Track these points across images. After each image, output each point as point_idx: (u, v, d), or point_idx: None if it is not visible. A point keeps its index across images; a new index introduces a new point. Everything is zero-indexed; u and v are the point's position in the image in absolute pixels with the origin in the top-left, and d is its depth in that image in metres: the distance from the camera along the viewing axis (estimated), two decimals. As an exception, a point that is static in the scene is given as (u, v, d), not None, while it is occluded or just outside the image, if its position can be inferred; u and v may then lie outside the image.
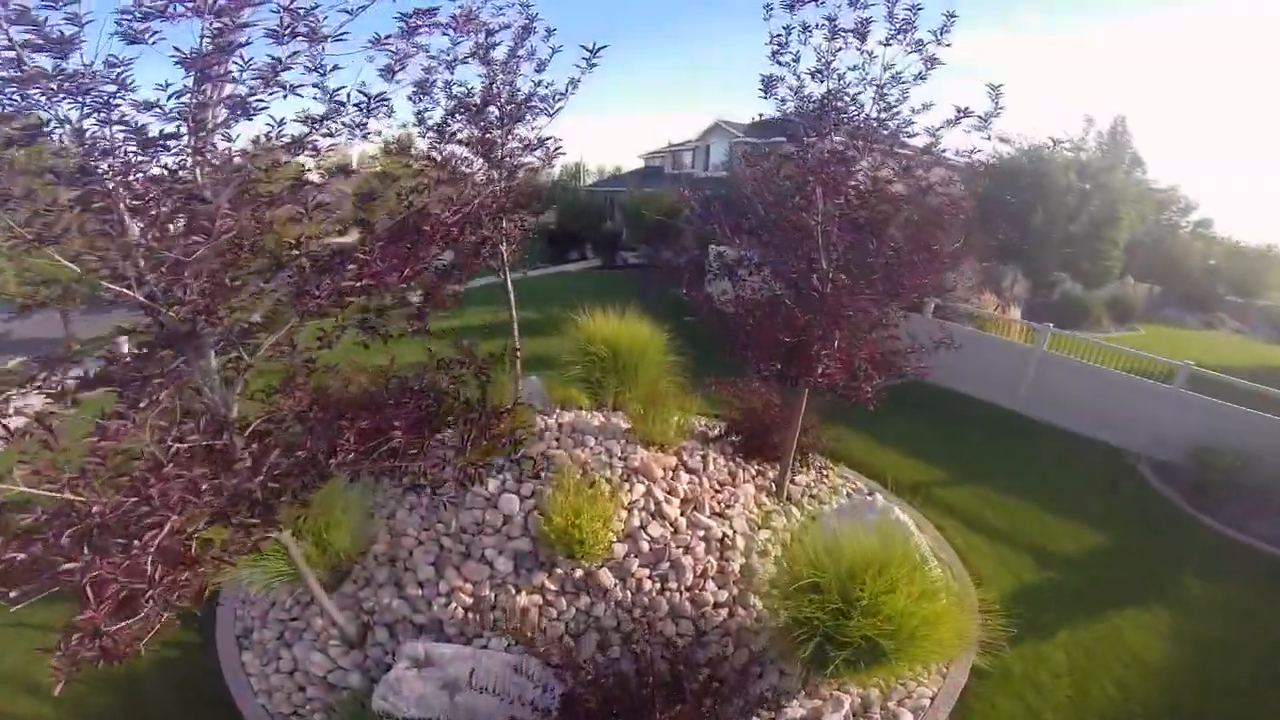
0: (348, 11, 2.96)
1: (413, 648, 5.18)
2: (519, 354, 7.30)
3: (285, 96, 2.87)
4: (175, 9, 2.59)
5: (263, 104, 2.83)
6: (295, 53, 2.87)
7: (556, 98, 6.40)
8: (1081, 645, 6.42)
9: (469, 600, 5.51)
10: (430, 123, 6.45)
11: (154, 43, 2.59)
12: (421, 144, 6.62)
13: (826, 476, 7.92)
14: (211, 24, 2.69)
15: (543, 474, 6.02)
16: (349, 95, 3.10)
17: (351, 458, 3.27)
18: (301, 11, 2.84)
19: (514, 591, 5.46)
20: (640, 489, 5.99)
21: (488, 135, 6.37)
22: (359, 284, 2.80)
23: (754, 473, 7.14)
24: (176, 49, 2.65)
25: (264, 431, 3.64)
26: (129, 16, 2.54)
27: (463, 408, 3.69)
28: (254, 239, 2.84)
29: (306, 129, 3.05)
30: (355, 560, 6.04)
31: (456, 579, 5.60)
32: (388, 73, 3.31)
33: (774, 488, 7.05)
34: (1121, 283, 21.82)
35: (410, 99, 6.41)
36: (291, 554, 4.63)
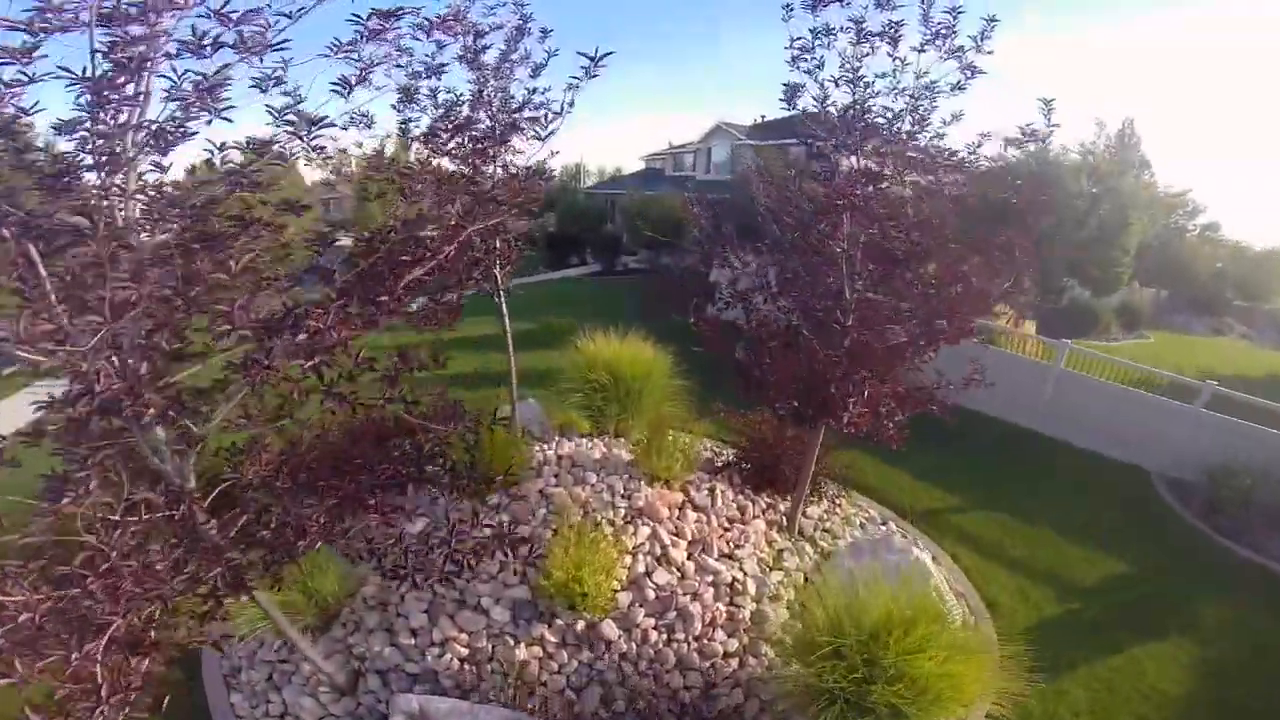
0: (286, 15, 2.49)
1: (407, 701, 4.87)
2: (516, 369, 6.96)
3: (209, 121, 2.38)
4: (51, 20, 2.09)
5: (186, 132, 2.35)
6: (225, 66, 2.40)
7: (549, 118, 5.97)
8: (1101, 679, 6.22)
9: (464, 651, 5.18)
10: (416, 132, 6.04)
11: (29, 63, 2.11)
12: (408, 156, 6.17)
13: (839, 506, 7.57)
14: (103, 36, 2.21)
15: (541, 513, 5.66)
16: (298, 116, 2.66)
17: (319, 545, 2.91)
18: (234, 17, 2.36)
19: (512, 643, 5.12)
20: (645, 531, 5.64)
21: (479, 147, 5.94)
22: (310, 362, 2.37)
23: (764, 505, 6.79)
24: (64, 69, 2.15)
25: (229, 495, 3.29)
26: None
27: (449, 476, 3.31)
28: (189, 295, 2.37)
29: (253, 155, 2.62)
30: (343, 603, 5.71)
31: (451, 628, 5.26)
32: (344, 86, 2.82)
33: (785, 521, 6.70)
34: (1129, 288, 21.47)
35: (394, 107, 5.97)
36: (268, 611, 4.30)
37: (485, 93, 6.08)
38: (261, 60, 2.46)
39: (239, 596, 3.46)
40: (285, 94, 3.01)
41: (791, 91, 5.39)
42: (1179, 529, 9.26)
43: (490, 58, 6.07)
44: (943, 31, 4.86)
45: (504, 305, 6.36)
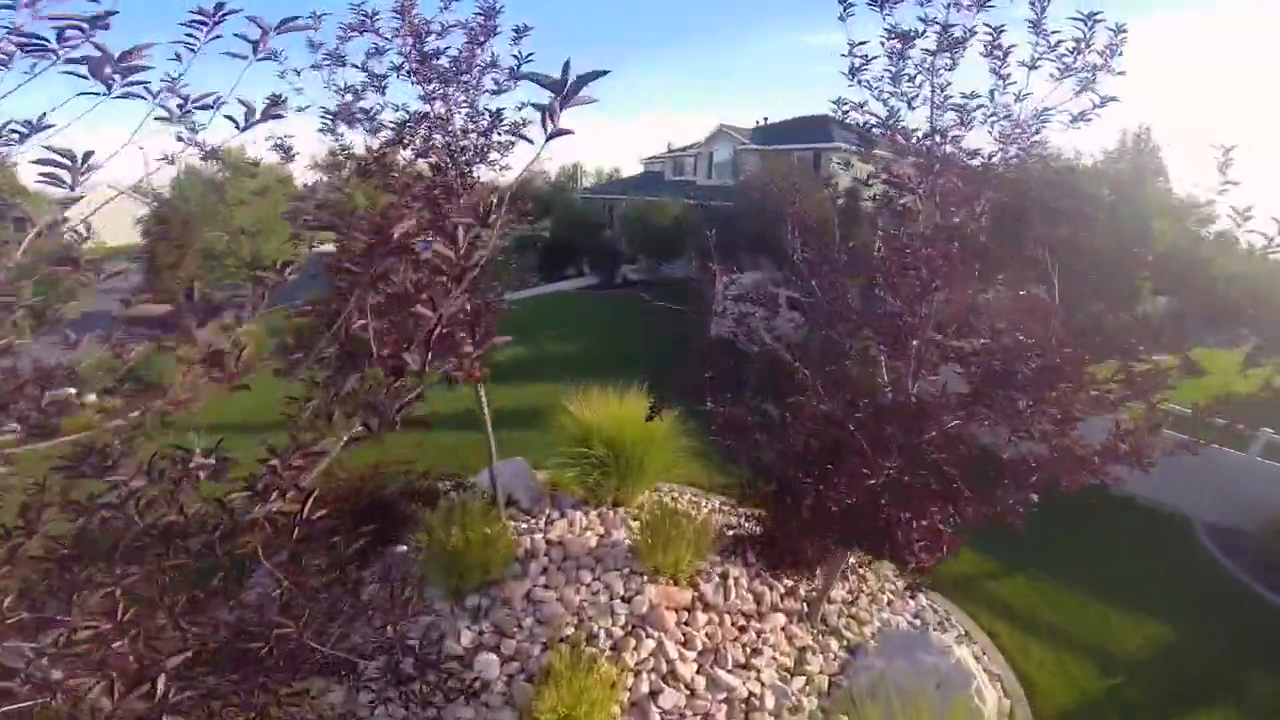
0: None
1: None
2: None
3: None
4: None
5: None
6: None
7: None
8: (1144, 765, 5.64)
9: (438, 787, 4.40)
10: (347, 167, 4.91)
11: None
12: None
13: (865, 580, 6.79)
14: None
15: (528, 623, 4.85)
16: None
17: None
18: None
19: (494, 780, 4.34)
20: (649, 645, 4.82)
21: (439, 179, 4.83)
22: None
23: (783, 591, 5.98)
24: None
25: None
26: None
27: (394, 681, 2.49)
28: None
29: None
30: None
31: (423, 758, 4.47)
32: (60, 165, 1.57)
33: (806, 609, 5.91)
34: (1148, 301, 20.69)
35: (323, 131, 4.86)
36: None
37: (435, 110, 4.88)
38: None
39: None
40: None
41: (875, 129, 4.28)
42: (1230, 588, 8.55)
43: (452, 65, 4.87)
44: (1075, 46, 3.80)
45: (481, 390, 5.41)
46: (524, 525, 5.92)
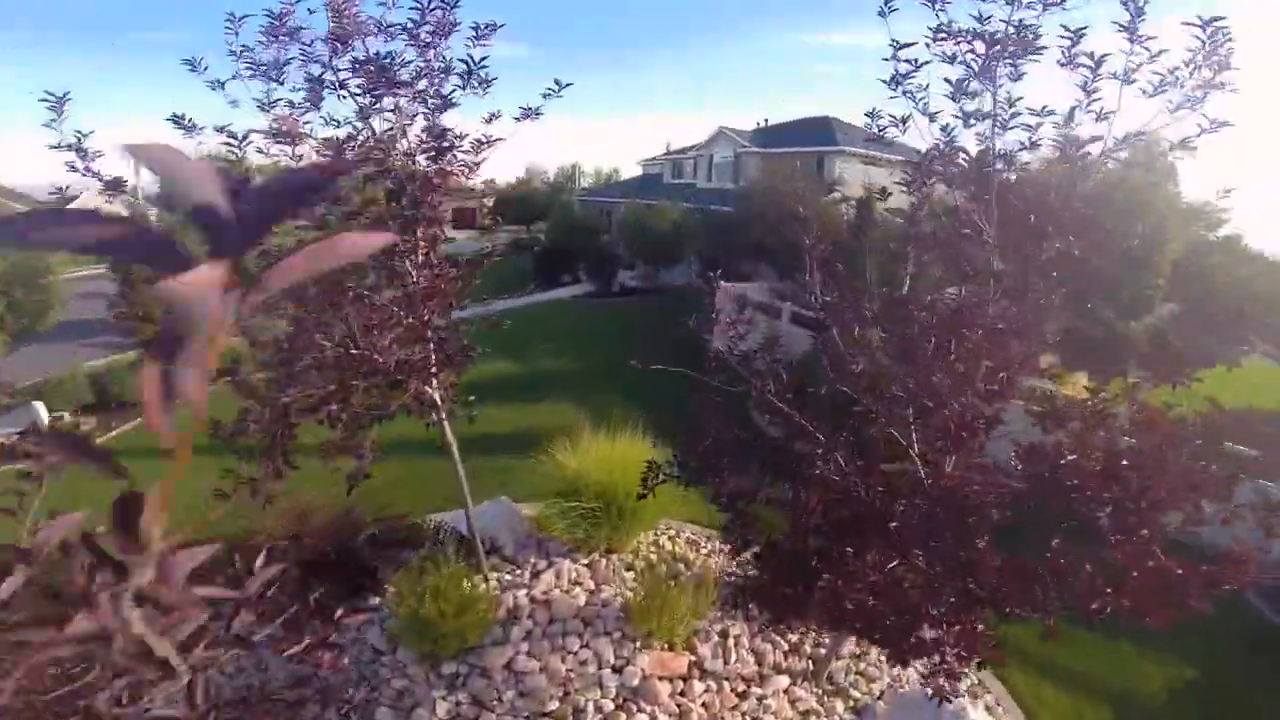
0: None
1: None
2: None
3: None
4: None
5: None
6: None
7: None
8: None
9: None
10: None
11: None
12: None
13: (872, 630, 6.37)
14: None
15: (509, 696, 4.43)
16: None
17: None
18: None
19: None
20: (642, 718, 4.42)
21: (393, 210, 4.11)
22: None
23: (787, 648, 5.56)
24: None
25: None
26: None
27: None
28: None
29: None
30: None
31: None
32: None
33: (811, 667, 5.49)
34: (1159, 310, 20.24)
35: (230, 161, 4.15)
36: None
37: (377, 128, 4.17)
38: None
39: None
40: None
41: (935, 156, 3.66)
42: (1259, 625, 8.20)
43: (382, 75, 4.09)
44: (1192, 58, 3.17)
45: (448, 430, 4.95)
46: (507, 577, 5.49)
